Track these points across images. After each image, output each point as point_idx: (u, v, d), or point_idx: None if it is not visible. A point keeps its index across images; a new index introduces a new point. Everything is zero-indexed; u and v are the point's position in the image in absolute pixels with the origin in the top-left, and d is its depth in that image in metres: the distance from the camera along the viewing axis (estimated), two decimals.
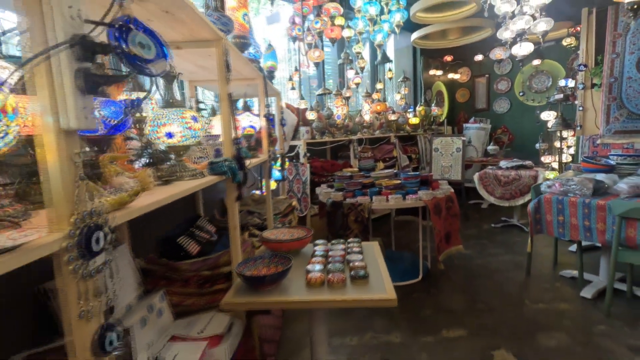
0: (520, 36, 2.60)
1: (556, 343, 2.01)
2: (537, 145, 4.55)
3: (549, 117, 4.47)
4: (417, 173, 2.85)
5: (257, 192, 3.28)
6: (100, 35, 0.52)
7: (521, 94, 6.28)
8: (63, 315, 0.52)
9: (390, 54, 6.37)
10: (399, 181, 2.80)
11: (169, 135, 1.06)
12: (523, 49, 2.74)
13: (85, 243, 0.51)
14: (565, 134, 4.36)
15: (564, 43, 4.22)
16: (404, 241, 3.82)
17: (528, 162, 4.11)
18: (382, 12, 3.17)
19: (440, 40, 5.47)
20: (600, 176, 2.62)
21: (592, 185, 2.40)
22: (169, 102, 1.11)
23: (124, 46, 0.47)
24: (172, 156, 1.15)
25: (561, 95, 4.40)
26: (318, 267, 1.34)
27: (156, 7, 0.96)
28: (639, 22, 3.70)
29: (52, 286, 1.06)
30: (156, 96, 1.17)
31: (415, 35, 4.93)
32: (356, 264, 1.36)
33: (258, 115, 2.35)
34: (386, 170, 3.21)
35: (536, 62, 5.67)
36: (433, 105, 6.18)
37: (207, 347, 1.13)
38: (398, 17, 3.18)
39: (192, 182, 1.07)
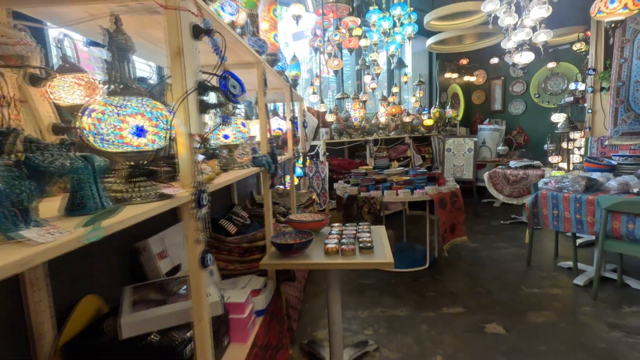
0: (521, 46, 2.86)
1: (543, 320, 2.29)
2: (546, 146, 4.72)
3: (559, 119, 4.64)
4: (425, 170, 3.15)
5: (281, 187, 3.68)
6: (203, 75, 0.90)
7: (537, 96, 6.42)
8: (186, 239, 0.90)
9: (408, 57, 6.65)
10: (408, 177, 3.12)
11: (225, 137, 1.45)
12: (524, 58, 3.00)
13: (198, 199, 0.89)
14: (573, 135, 4.52)
15: (574, 48, 4.38)
16: (415, 234, 4.12)
17: (536, 162, 4.32)
18: (394, 25, 3.48)
19: (455, 45, 5.71)
20: (595, 175, 2.85)
21: (584, 183, 2.64)
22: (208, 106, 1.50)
23: (224, 89, 0.84)
24: (225, 152, 1.54)
25: (572, 98, 4.57)
26: (334, 241, 1.70)
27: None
28: None
29: (142, 245, 1.47)
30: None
31: (430, 40, 5.20)
32: (364, 239, 1.71)
33: (284, 119, 2.73)
34: (398, 168, 3.53)
35: (551, 64, 5.82)
36: (448, 107, 6.40)
37: (250, 295, 1.51)
38: (409, 30, 3.50)
39: (242, 170, 1.45)
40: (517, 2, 3.02)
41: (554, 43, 5.19)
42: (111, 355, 1.00)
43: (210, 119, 1.41)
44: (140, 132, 0.71)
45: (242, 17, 1.54)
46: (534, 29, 3.02)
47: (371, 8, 3.31)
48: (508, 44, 3.03)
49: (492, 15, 3.04)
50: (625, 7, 2.02)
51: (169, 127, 0.80)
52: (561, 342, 2.05)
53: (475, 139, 4.96)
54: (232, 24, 1.60)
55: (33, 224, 0.50)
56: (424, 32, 4.90)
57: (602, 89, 4.24)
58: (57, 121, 0.95)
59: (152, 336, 1.02)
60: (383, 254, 1.59)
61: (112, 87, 0.73)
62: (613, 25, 2.23)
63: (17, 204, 0.47)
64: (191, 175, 0.88)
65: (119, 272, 1.40)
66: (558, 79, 6.16)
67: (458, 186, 3.21)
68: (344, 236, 1.80)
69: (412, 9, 3.46)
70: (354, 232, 1.88)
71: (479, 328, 2.24)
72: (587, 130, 4.38)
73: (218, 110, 1.01)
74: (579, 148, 4.69)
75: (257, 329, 1.47)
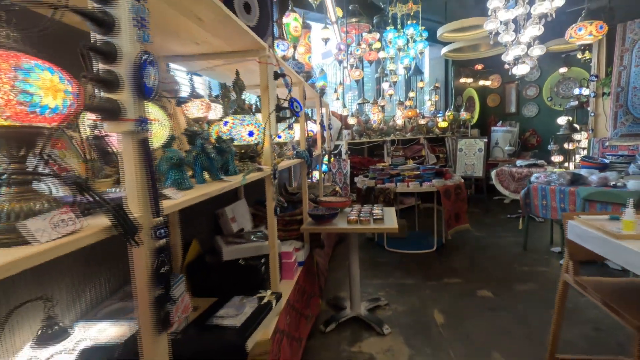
0: (517, 60, 3.34)
1: (527, 288, 2.78)
2: (549, 147, 5.10)
3: (564, 121, 5.01)
4: (433, 166, 3.67)
5: (308, 180, 4.29)
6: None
7: (549, 99, 6.74)
8: (267, 197, 1.51)
9: (426, 63, 7.12)
10: (418, 172, 3.65)
11: (279, 137, 2.06)
12: (520, 69, 3.46)
13: (274, 173, 1.50)
14: (578, 136, 4.88)
15: (579, 56, 4.74)
16: (426, 224, 4.62)
17: (540, 161, 4.72)
18: (408, 42, 4.01)
19: (470, 52, 6.15)
20: (583, 171, 3.29)
21: (569, 177, 3.09)
22: (279, 118, 2.11)
23: (292, 108, 1.44)
24: (276, 147, 2.15)
25: (576, 102, 4.94)
26: (354, 214, 2.28)
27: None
28: None
29: (221, 211, 2.10)
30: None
31: (444, 49, 5.68)
32: (377, 213, 2.28)
33: (314, 122, 3.33)
34: (410, 165, 4.06)
35: (563, 69, 6.15)
36: (462, 110, 6.82)
37: (294, 249, 2.11)
38: (420, 47, 4.02)
39: (290, 160, 2.06)
40: (515, 20, 3.50)
41: (565, 49, 5.54)
42: (216, 270, 1.63)
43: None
44: (251, 134, 1.33)
45: (290, 52, 2.15)
46: (534, 41, 3.48)
47: (388, 28, 3.87)
48: (507, 57, 3.51)
49: (493, 32, 3.53)
50: (591, 34, 2.49)
51: (262, 130, 1.41)
52: (537, 302, 2.54)
53: (485, 140, 5.40)
54: (284, 57, 2.23)
55: (222, 174, 1.11)
56: (440, 40, 5.38)
57: (603, 94, 4.60)
58: (187, 127, 1.59)
59: (240, 260, 1.64)
60: (391, 223, 2.16)
61: (236, 109, 1.35)
62: (583, 47, 2.69)
63: (217, 165, 1.08)
64: (271, 159, 1.49)
65: (206, 229, 2.04)
66: (570, 83, 6.46)
67: (463, 180, 3.71)
68: (362, 212, 2.38)
69: (423, 28, 3.99)
70: (370, 209, 2.45)
71: (471, 293, 2.75)
72: (590, 132, 4.75)
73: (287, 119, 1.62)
74: (584, 149, 5.04)
75: (299, 273, 2.07)
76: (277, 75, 1.45)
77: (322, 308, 2.63)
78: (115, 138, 0.65)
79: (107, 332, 1.02)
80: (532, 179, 3.35)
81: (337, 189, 4.17)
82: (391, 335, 2.23)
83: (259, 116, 1.47)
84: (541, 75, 6.85)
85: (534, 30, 3.19)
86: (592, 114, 4.72)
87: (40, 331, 0.89)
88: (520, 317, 2.39)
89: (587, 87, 4.86)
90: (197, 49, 1.44)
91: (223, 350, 0.93)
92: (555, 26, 3.63)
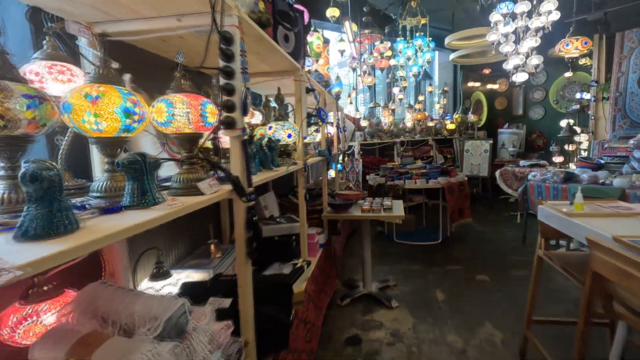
0: (517, 68, 3.67)
1: (520, 274, 3.11)
2: (551, 148, 5.38)
3: (565, 124, 5.28)
4: (439, 165, 4.02)
5: None
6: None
7: (555, 102, 6.99)
8: (299, 186, 1.91)
9: (435, 67, 7.45)
10: (425, 170, 4.00)
11: (304, 137, 2.46)
12: (519, 77, 3.78)
13: (305, 167, 1.89)
14: (579, 138, 5.15)
15: (580, 62, 5.01)
16: (433, 220, 4.95)
17: (542, 162, 5.01)
18: (416, 52, 4.36)
19: (478, 58, 6.46)
20: (577, 170, 3.60)
21: (563, 176, 3.41)
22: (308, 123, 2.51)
23: (320, 116, 1.83)
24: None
25: (578, 106, 5.21)
26: (367, 205, 2.66)
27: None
28: None
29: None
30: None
31: (452, 55, 6.01)
32: (387, 204, 2.65)
33: (331, 124, 3.72)
34: (418, 164, 4.42)
35: (568, 74, 6.40)
36: (470, 112, 7.11)
37: (316, 233, 2.50)
38: (428, 57, 4.38)
39: (314, 158, 2.45)
40: (515, 31, 3.83)
41: (570, 55, 5.82)
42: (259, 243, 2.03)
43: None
44: (289, 136, 1.73)
45: (314, 66, 2.55)
46: (533, 49, 3.80)
47: (398, 39, 4.24)
48: (508, 66, 3.84)
49: (495, 43, 3.87)
50: (577, 48, 2.81)
51: (297, 132, 1.81)
52: (527, 285, 2.86)
53: (491, 141, 5.70)
54: (309, 71, 2.63)
55: (275, 164, 1.51)
56: (447, 47, 5.71)
57: (603, 98, 4.87)
58: None
59: (276, 237, 2.04)
60: (398, 212, 2.53)
61: (278, 116, 1.75)
62: (571, 60, 3.00)
63: (269, 159, 1.49)
64: (302, 156, 1.89)
65: None
66: (575, 87, 6.69)
67: (466, 178, 4.04)
68: (373, 203, 2.76)
69: (430, 39, 4.34)
70: (381, 201, 2.83)
71: (470, 277, 3.10)
72: (591, 134, 5.02)
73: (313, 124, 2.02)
74: (585, 150, 5.30)
75: (320, 253, 2.46)
76: (307, 90, 1.85)
77: (338, 287, 3.01)
78: (225, 139, 1.05)
79: (193, 276, 1.44)
80: (529, 177, 3.67)
81: (351, 185, 4.55)
82: (398, 309, 2.60)
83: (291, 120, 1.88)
84: (547, 79, 7.09)
85: (531, 42, 3.52)
86: (593, 117, 4.99)
87: (154, 270, 1.30)
88: (511, 296, 2.73)
89: (588, 91, 5.13)
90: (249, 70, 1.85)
91: (279, 283, 1.32)
92: (564, 32, 3.93)
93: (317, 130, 2.08)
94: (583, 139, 5.20)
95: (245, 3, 1.07)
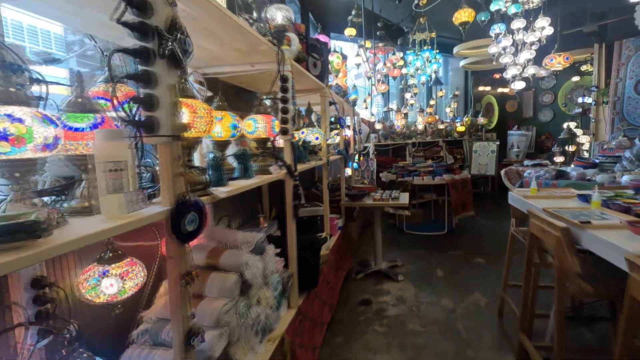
0: (515, 77, 4.12)
1: (514, 258, 3.57)
2: (553, 149, 5.74)
3: (565, 126, 5.64)
4: (444, 163, 4.51)
5: None
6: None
7: (564, 105, 7.29)
8: (324, 178, 2.48)
9: (448, 73, 7.88)
10: (432, 168, 4.50)
11: (317, 138, 3.03)
12: (517, 85, 4.23)
13: (328, 162, 2.46)
14: (581, 139, 5.51)
15: (582, 69, 5.36)
16: (441, 214, 5.43)
17: (545, 161, 5.39)
18: (424, 63, 4.85)
19: (487, 64, 6.86)
20: (569, 168, 4.02)
21: (554, 173, 3.84)
22: (331, 128, 3.09)
23: (340, 122, 2.39)
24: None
25: (580, 110, 5.56)
26: (378, 195, 3.20)
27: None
28: (637, 55, 4.80)
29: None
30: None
31: (463, 62, 6.45)
32: (395, 195, 3.19)
33: (348, 127, 4.28)
34: (426, 163, 4.91)
35: (575, 78, 6.73)
36: (480, 115, 7.51)
37: (336, 217, 3.07)
38: (435, 67, 4.87)
39: (334, 156, 3.01)
40: (514, 44, 4.28)
41: (578, 60, 6.15)
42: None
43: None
44: (317, 138, 2.30)
45: (335, 81, 3.12)
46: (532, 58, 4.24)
47: (408, 51, 4.76)
48: (507, 75, 4.29)
49: (496, 55, 4.33)
50: (560, 63, 3.25)
51: (322, 135, 2.39)
52: (517, 267, 3.34)
53: (498, 143, 6.11)
54: (329, 85, 3.19)
55: (307, 159, 2.09)
56: (456, 56, 6.17)
57: (602, 102, 5.22)
58: None
59: (304, 217, 2.62)
60: (405, 201, 3.07)
61: (308, 123, 2.33)
62: (556, 73, 3.43)
63: (304, 155, 2.06)
64: (325, 154, 2.46)
65: (278, 200, 3.04)
66: (582, 91, 6.99)
67: (469, 176, 4.51)
68: (384, 194, 3.30)
69: (437, 51, 4.82)
70: (390, 192, 3.37)
71: (468, 260, 3.59)
72: (592, 136, 5.37)
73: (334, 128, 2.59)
74: (586, 151, 5.64)
75: (339, 233, 3.02)
76: (330, 103, 2.41)
77: (354, 266, 3.57)
78: (280, 141, 1.64)
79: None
80: (525, 174, 4.11)
81: (365, 182, 5.09)
82: (403, 282, 3.13)
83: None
84: (556, 83, 7.41)
85: (527, 54, 3.97)
86: (593, 120, 5.34)
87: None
88: (501, 274, 3.21)
89: (589, 96, 5.48)
90: None
91: (311, 241, 1.89)
92: (567, 41, 4.32)
93: (337, 134, 2.65)
94: (585, 140, 5.54)
95: (294, 53, 1.65)
